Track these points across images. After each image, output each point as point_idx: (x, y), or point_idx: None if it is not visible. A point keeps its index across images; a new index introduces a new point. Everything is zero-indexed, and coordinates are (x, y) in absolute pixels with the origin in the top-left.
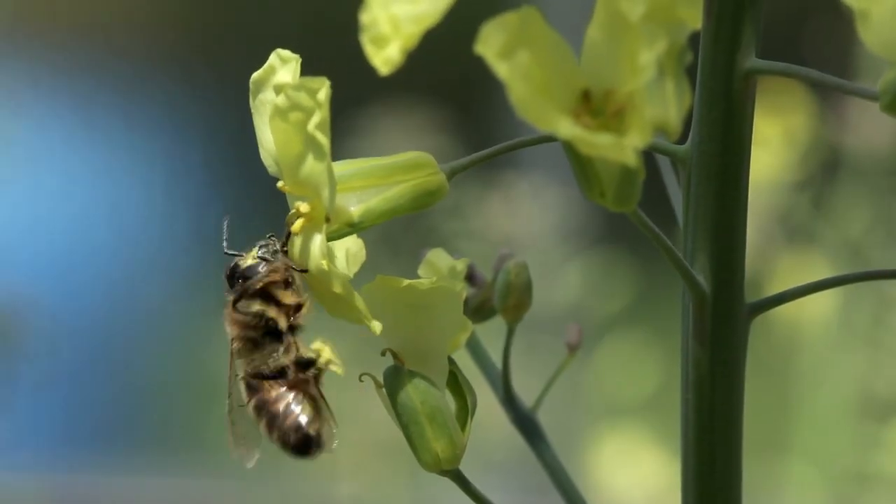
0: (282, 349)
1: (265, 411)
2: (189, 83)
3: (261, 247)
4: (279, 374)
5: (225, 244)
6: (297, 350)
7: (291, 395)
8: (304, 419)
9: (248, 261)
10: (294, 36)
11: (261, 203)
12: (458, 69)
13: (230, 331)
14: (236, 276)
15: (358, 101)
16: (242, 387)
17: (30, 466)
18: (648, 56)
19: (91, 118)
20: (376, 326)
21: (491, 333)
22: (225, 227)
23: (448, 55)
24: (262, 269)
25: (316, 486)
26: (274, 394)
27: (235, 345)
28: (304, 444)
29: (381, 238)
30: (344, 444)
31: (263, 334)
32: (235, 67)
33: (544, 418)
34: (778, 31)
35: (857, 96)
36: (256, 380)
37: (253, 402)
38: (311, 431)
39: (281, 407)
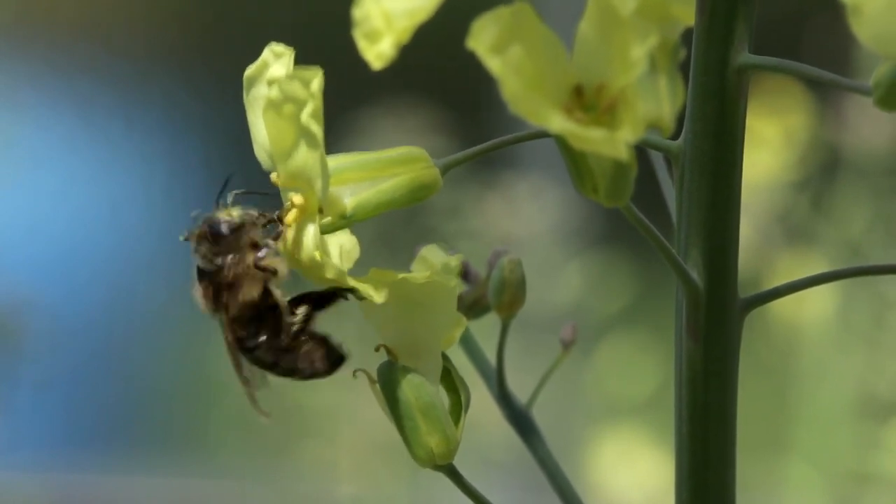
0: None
1: (294, 363)
2: (189, 83)
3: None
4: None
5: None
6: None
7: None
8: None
9: (232, 217)
10: (293, 36)
11: (261, 203)
12: (457, 70)
13: (226, 301)
14: (222, 236)
15: (357, 101)
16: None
17: (30, 466)
18: (640, 51)
19: (91, 118)
20: (379, 296)
21: (487, 332)
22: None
23: (447, 55)
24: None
25: (316, 486)
26: (294, 348)
27: (232, 313)
28: (338, 361)
29: (379, 237)
30: (344, 444)
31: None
32: (235, 67)
33: (543, 418)
34: (777, 30)
35: (852, 91)
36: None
37: (263, 358)
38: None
39: (308, 348)
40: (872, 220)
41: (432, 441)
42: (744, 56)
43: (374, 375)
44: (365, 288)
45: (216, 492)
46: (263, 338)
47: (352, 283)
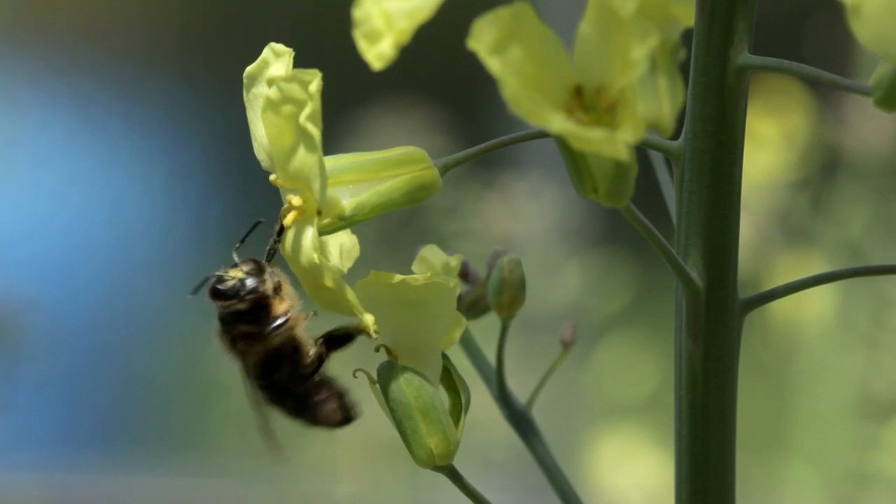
0: (302, 355)
1: (305, 405)
2: (189, 83)
3: (244, 262)
4: (304, 375)
5: (237, 251)
6: (310, 349)
7: (322, 384)
8: (340, 400)
9: (238, 277)
10: (293, 36)
11: (261, 203)
12: (458, 69)
13: (242, 351)
14: (230, 297)
15: (358, 101)
16: (258, 392)
17: (30, 466)
18: (640, 52)
19: (91, 118)
20: (368, 319)
21: (487, 332)
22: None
23: (448, 55)
24: (254, 285)
25: (316, 486)
26: (307, 389)
27: (251, 361)
28: (350, 417)
29: (380, 238)
30: (344, 444)
31: (284, 347)
32: (235, 67)
33: (543, 418)
34: (777, 30)
35: (851, 92)
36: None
37: (286, 403)
38: (349, 405)
39: (321, 396)
40: (872, 220)
41: (432, 442)
42: (744, 56)
43: (374, 375)
44: (359, 311)
45: (216, 492)
46: (283, 377)
47: (350, 296)
